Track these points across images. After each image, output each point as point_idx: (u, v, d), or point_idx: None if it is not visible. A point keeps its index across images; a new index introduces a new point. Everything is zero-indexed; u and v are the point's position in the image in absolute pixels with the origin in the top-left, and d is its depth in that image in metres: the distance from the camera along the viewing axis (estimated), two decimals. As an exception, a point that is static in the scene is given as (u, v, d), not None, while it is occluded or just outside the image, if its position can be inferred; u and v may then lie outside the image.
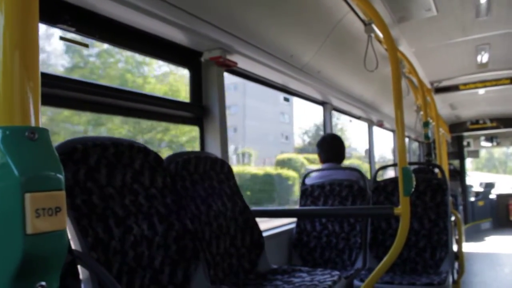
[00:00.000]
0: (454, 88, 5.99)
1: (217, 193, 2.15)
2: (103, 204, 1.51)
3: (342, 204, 3.20)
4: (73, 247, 1.36)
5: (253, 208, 2.37)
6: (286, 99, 4.28)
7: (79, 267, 1.31)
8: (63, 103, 1.89)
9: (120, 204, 1.58)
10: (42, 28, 1.75)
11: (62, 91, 1.78)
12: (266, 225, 3.09)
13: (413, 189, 2.04)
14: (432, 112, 4.50)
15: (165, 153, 1.91)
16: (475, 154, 11.04)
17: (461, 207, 7.44)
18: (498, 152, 25.60)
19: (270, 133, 24.75)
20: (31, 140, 0.62)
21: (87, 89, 1.90)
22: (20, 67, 0.62)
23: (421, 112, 4.01)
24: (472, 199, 10.05)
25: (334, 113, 4.62)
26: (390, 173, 7.35)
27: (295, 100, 4.15)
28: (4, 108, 0.61)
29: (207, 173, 2.14)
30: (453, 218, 3.95)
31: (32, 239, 0.58)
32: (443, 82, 5.88)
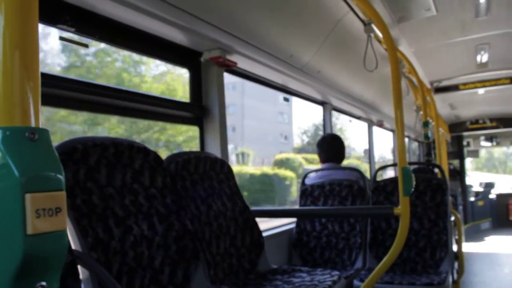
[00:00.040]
0: (454, 88, 5.99)
1: (217, 193, 2.15)
2: (103, 204, 1.51)
3: (342, 204, 3.20)
4: (73, 247, 1.36)
5: (253, 208, 2.37)
6: (286, 99, 4.28)
7: (79, 267, 1.31)
8: (64, 103, 1.90)
9: (120, 204, 1.58)
10: (39, 27, 1.75)
11: (64, 92, 1.78)
12: (266, 225, 3.09)
13: (413, 189, 2.04)
14: (432, 112, 4.50)
15: (161, 153, 1.91)
16: (474, 154, 11.04)
17: (460, 207, 7.44)
18: (498, 152, 25.60)
19: (269, 133, 24.75)
20: (31, 140, 0.62)
21: (88, 89, 1.90)
22: (20, 67, 0.62)
23: (421, 112, 4.02)
24: (472, 199, 10.06)
25: (333, 113, 4.62)
26: (389, 174, 7.36)
27: (294, 100, 4.15)
28: (4, 109, 0.61)
29: (207, 173, 2.14)
30: (452, 218, 3.95)
31: (32, 239, 0.58)
32: (443, 82, 5.88)
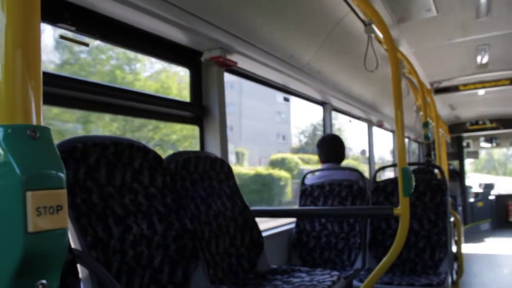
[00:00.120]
0: (454, 88, 6.00)
1: (217, 193, 2.15)
2: (102, 203, 1.51)
3: (341, 204, 3.20)
4: (72, 246, 1.36)
5: (252, 208, 2.37)
6: (286, 99, 4.28)
7: (78, 266, 1.31)
8: (65, 103, 1.90)
9: (120, 203, 1.58)
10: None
11: (64, 91, 1.78)
12: (265, 225, 3.09)
13: (412, 190, 2.04)
14: (432, 113, 4.50)
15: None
16: (474, 155, 11.04)
17: (460, 208, 7.44)
18: (498, 153, 25.56)
19: (267, 132, 24.72)
20: (33, 138, 0.62)
21: (90, 89, 1.90)
22: (22, 65, 0.62)
23: (421, 113, 4.01)
24: (472, 200, 10.06)
25: (332, 113, 4.62)
26: (387, 174, 7.35)
27: (293, 99, 4.15)
28: (5, 107, 0.61)
29: (207, 172, 2.14)
30: (452, 219, 3.95)
31: (33, 237, 0.58)
32: (443, 82, 5.88)
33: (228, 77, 2.73)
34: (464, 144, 9.91)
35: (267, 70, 3.06)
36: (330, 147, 3.55)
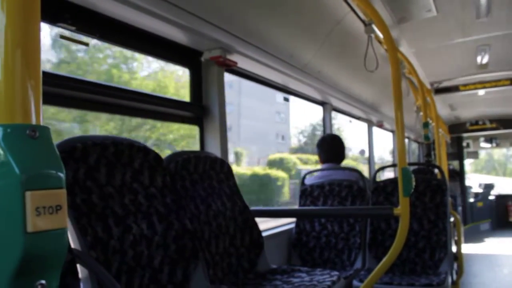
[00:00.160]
0: (454, 89, 6.00)
1: (217, 193, 2.15)
2: (102, 203, 1.51)
3: (341, 204, 3.20)
4: (72, 246, 1.36)
5: (252, 208, 2.37)
6: (286, 99, 4.28)
7: (78, 266, 1.31)
8: (65, 102, 1.90)
9: (120, 203, 1.58)
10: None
11: (65, 90, 1.78)
12: (265, 225, 3.09)
13: (412, 190, 2.04)
14: (432, 113, 4.50)
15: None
16: (474, 155, 11.05)
17: (460, 208, 7.44)
18: (498, 153, 25.55)
19: (266, 132, 24.69)
20: (32, 138, 0.62)
21: (90, 89, 1.90)
22: (21, 65, 0.62)
23: (421, 113, 4.01)
24: (471, 200, 10.06)
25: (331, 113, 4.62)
26: (386, 175, 7.35)
27: (292, 99, 4.15)
28: (5, 106, 0.61)
29: (207, 172, 2.14)
30: (452, 219, 3.95)
31: (32, 237, 0.58)
32: (443, 82, 5.88)
33: (227, 77, 2.73)
34: (464, 144, 9.91)
35: (267, 70, 3.06)
36: (330, 147, 3.55)
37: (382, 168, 4.04)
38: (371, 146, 5.94)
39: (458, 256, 4.13)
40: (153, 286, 1.59)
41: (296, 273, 2.12)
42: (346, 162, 3.65)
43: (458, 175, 9.53)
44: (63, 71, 3.13)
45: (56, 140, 1.49)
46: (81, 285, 1.33)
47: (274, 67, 3.01)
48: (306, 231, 3.23)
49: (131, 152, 1.69)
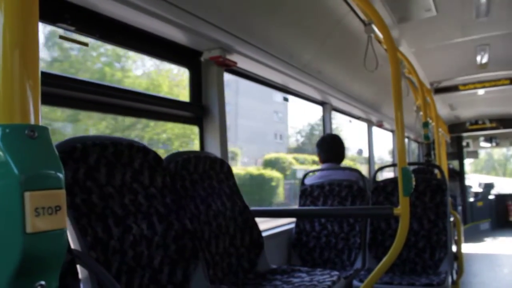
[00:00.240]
0: (454, 88, 6.00)
1: (217, 193, 2.14)
2: (102, 204, 1.51)
3: (341, 204, 3.20)
4: (72, 246, 1.36)
5: (252, 208, 2.37)
6: (286, 99, 4.28)
7: (78, 266, 1.31)
8: (64, 102, 1.89)
9: (120, 203, 1.57)
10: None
11: (61, 90, 1.78)
12: (265, 225, 3.09)
13: (412, 190, 2.04)
14: (432, 113, 4.49)
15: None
16: (474, 154, 11.04)
17: (460, 208, 7.44)
18: (498, 153, 25.51)
19: (263, 132, 24.61)
20: (31, 138, 0.61)
21: (89, 89, 1.90)
22: (20, 65, 0.62)
23: (421, 113, 4.01)
24: (471, 199, 10.06)
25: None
26: (385, 175, 7.35)
27: (290, 99, 4.14)
28: (4, 106, 0.61)
29: (207, 172, 2.14)
30: (452, 219, 3.95)
31: (31, 238, 0.58)
32: (443, 82, 5.88)
33: (225, 76, 2.73)
34: (464, 144, 9.91)
35: (266, 70, 3.06)
36: (330, 147, 3.55)
37: (382, 168, 4.04)
38: (371, 146, 5.94)
39: (458, 256, 4.13)
40: (153, 286, 1.59)
41: (296, 273, 2.12)
42: (343, 162, 3.64)
43: (458, 174, 9.53)
44: (56, 70, 3.12)
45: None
46: (81, 285, 1.33)
47: (274, 67, 3.01)
48: (306, 231, 3.23)
49: (131, 152, 1.69)
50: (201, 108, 2.58)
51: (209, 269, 1.87)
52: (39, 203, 0.59)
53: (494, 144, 10.06)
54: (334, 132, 4.58)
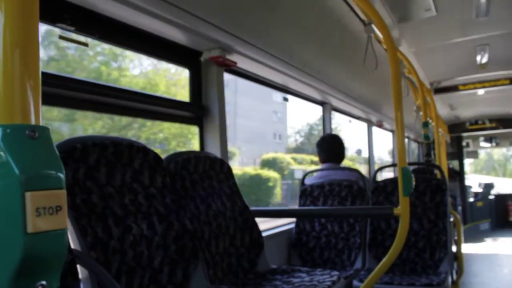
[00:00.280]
0: (454, 88, 5.99)
1: (217, 193, 2.14)
2: (102, 204, 1.51)
3: (341, 204, 3.20)
4: (72, 246, 1.36)
5: (252, 208, 2.37)
6: (286, 99, 4.28)
7: (78, 266, 1.31)
8: (63, 103, 1.89)
9: (120, 203, 1.58)
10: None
11: (64, 91, 1.78)
12: (265, 225, 3.09)
13: (412, 190, 2.04)
14: (432, 113, 4.49)
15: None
16: (474, 154, 11.04)
17: (460, 208, 7.43)
18: (498, 153, 25.50)
19: (262, 132, 24.56)
20: (32, 138, 0.61)
21: (89, 89, 1.90)
22: (20, 65, 0.62)
23: (421, 113, 4.01)
24: (471, 199, 10.05)
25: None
26: (384, 175, 7.34)
27: (289, 98, 4.14)
28: (4, 106, 0.61)
29: (207, 172, 2.14)
30: (452, 219, 3.95)
31: (32, 238, 0.58)
32: (443, 82, 5.88)
33: (224, 76, 2.73)
34: (464, 144, 9.90)
35: (266, 70, 3.06)
36: (330, 147, 3.55)
37: (382, 168, 4.04)
38: (371, 146, 5.94)
39: (458, 256, 4.13)
40: (153, 286, 1.59)
41: (296, 273, 2.12)
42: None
43: (458, 174, 9.53)
44: (52, 69, 3.12)
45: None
46: (81, 285, 1.33)
47: (274, 67, 3.01)
48: (306, 231, 3.23)
49: (131, 152, 1.69)
50: (201, 108, 2.58)
51: (209, 269, 1.87)
52: (40, 203, 0.59)
53: (494, 144, 10.06)
54: (333, 132, 4.58)
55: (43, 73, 0.72)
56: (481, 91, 6.15)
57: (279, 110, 26.47)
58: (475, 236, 8.76)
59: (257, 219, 2.35)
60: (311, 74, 3.43)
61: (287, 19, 2.76)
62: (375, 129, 6.20)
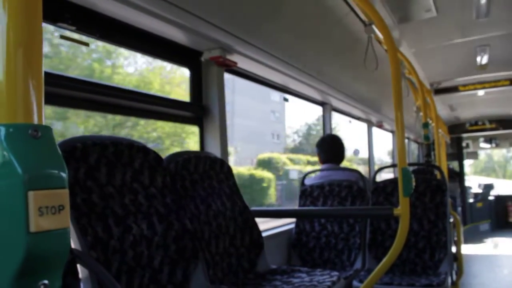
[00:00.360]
0: (454, 89, 6.00)
1: (217, 193, 2.15)
2: (102, 203, 1.51)
3: (341, 205, 3.20)
4: (72, 246, 1.36)
5: (252, 208, 2.37)
6: (286, 99, 4.28)
7: (78, 266, 1.31)
8: (65, 102, 1.90)
9: (120, 203, 1.58)
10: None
11: (65, 90, 1.78)
12: (265, 225, 3.09)
13: (412, 190, 2.04)
14: (432, 113, 4.50)
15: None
16: (474, 155, 11.04)
17: (459, 209, 7.43)
18: (498, 155, 25.49)
19: (260, 132, 24.54)
20: (34, 138, 0.61)
21: (89, 88, 1.90)
22: (23, 65, 0.62)
23: (421, 113, 4.02)
24: (471, 200, 10.05)
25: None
26: (384, 176, 7.33)
27: (288, 98, 4.14)
28: (7, 106, 0.61)
29: (207, 172, 2.14)
30: (451, 220, 3.95)
31: (35, 237, 0.58)
32: (443, 83, 5.88)
33: (222, 75, 2.72)
34: (464, 144, 9.91)
35: (267, 70, 3.06)
36: (330, 147, 3.55)
37: (382, 168, 4.04)
38: (371, 147, 5.94)
39: (458, 257, 4.13)
40: (153, 286, 1.59)
41: (296, 274, 2.12)
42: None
43: (458, 175, 9.53)
44: (46, 67, 3.11)
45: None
46: (81, 285, 1.33)
47: (274, 67, 3.01)
48: (306, 232, 3.23)
49: (131, 152, 1.69)
50: (201, 108, 2.59)
51: (209, 269, 1.87)
52: (43, 202, 0.59)
53: (493, 145, 10.06)
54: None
55: (46, 73, 0.72)
56: (481, 92, 6.15)
57: (277, 109, 26.45)
58: (475, 237, 8.76)
59: (257, 219, 2.36)
60: (311, 74, 3.43)
61: (288, 19, 2.76)
62: (374, 130, 6.20)
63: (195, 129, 2.65)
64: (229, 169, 2.32)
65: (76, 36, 1.89)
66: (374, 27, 3.06)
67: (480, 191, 10.85)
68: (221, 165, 2.26)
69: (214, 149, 2.55)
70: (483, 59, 4.76)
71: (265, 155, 17.15)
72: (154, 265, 1.62)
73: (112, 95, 2.03)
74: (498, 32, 4.02)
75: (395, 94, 2.09)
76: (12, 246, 0.58)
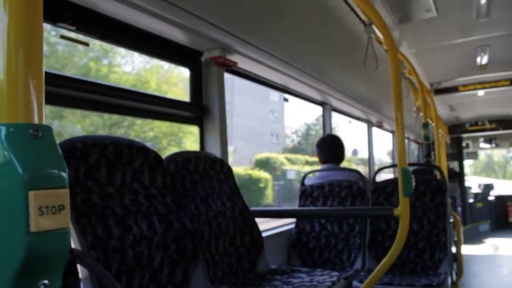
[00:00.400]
0: (454, 89, 5.99)
1: (217, 193, 2.15)
2: (102, 203, 1.51)
3: (341, 205, 3.20)
4: (72, 246, 1.36)
5: (252, 208, 2.37)
6: (286, 100, 4.29)
7: (78, 266, 1.31)
8: (66, 102, 1.90)
9: (120, 203, 1.58)
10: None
11: (66, 90, 1.79)
12: (265, 225, 3.09)
13: (412, 190, 2.04)
14: (432, 113, 4.50)
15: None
16: (473, 155, 11.04)
17: (459, 209, 7.43)
18: (498, 155, 25.48)
19: (259, 131, 24.52)
20: (35, 137, 0.62)
21: (90, 89, 1.90)
22: (24, 64, 0.62)
23: (421, 113, 4.02)
24: (471, 200, 10.05)
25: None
26: (383, 176, 7.32)
27: (288, 99, 4.13)
28: (8, 105, 0.61)
29: (207, 172, 2.14)
30: (451, 220, 3.95)
31: (35, 237, 0.58)
32: (443, 83, 5.88)
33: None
34: (464, 145, 9.90)
35: (267, 70, 3.06)
36: (330, 147, 3.55)
37: (382, 169, 4.04)
38: (371, 147, 5.94)
39: (457, 257, 4.13)
40: (153, 286, 1.59)
41: (296, 274, 2.12)
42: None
43: (458, 175, 9.53)
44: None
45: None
46: (81, 285, 1.33)
47: (274, 67, 3.01)
48: (306, 232, 3.23)
49: (131, 152, 1.69)
50: (201, 108, 2.59)
51: (209, 269, 1.87)
52: (43, 202, 0.59)
53: (493, 145, 10.06)
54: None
55: (46, 73, 0.72)
56: (481, 92, 6.15)
57: (276, 109, 26.42)
58: (475, 237, 8.76)
59: (257, 219, 2.36)
60: (311, 74, 3.43)
61: (288, 19, 2.76)
62: (373, 130, 6.20)
63: (192, 129, 2.65)
64: (229, 169, 2.32)
65: (76, 36, 1.89)
66: (374, 27, 3.06)
67: (480, 191, 10.84)
68: (221, 165, 2.26)
69: (214, 149, 2.55)
70: (483, 59, 4.76)
71: (263, 155, 17.12)
72: (154, 265, 1.62)
73: (113, 95, 2.03)
74: (498, 32, 4.01)
75: (395, 94, 2.09)
76: (12, 246, 0.58)
